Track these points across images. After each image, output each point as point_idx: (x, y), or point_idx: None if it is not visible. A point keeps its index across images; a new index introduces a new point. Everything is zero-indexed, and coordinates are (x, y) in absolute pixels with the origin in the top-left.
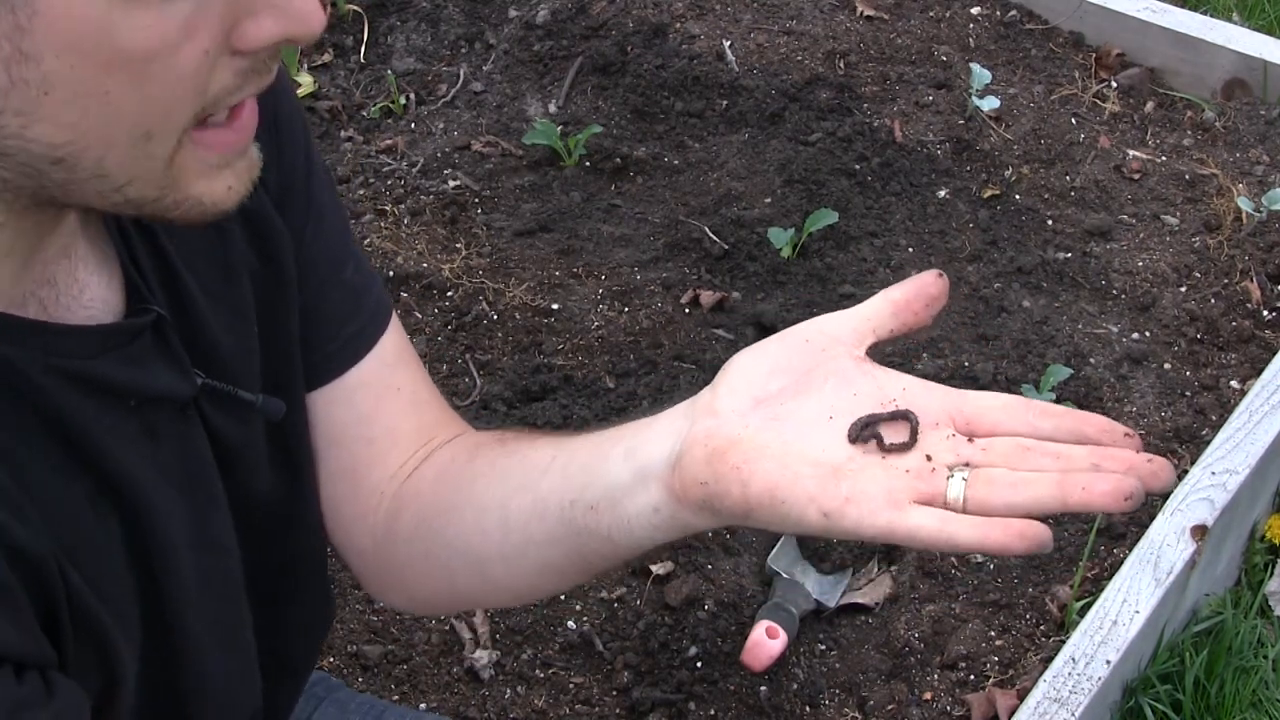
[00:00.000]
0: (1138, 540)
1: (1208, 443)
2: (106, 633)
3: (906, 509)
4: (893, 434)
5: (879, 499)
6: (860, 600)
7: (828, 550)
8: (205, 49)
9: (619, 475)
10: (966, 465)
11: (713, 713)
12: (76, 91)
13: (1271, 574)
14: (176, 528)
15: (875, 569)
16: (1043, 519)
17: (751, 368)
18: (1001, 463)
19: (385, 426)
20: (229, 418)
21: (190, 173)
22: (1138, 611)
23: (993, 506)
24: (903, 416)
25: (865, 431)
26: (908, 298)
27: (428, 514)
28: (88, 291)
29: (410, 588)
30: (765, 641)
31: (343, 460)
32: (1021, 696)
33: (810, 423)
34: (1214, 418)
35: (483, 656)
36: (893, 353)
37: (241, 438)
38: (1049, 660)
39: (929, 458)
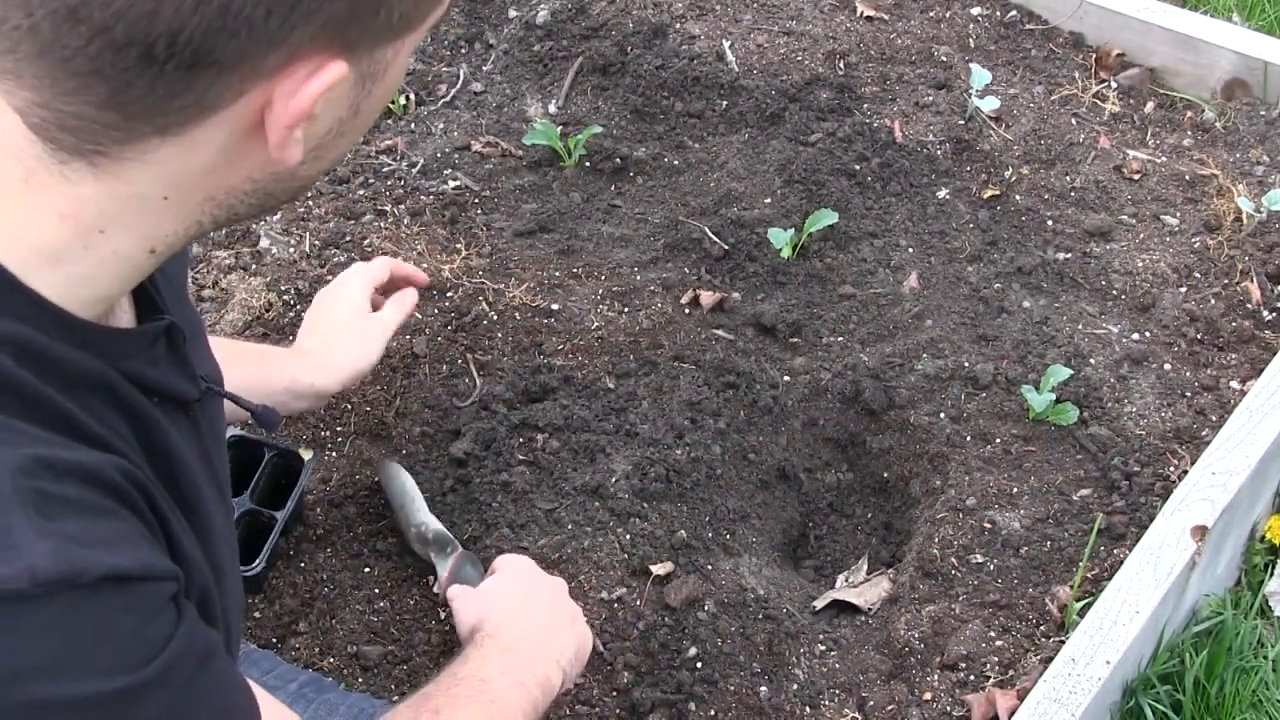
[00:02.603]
0: (1138, 540)
1: (1208, 443)
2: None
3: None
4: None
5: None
6: (852, 600)
7: (817, 549)
8: None
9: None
10: None
11: (713, 713)
12: (359, 128)
13: (1271, 574)
14: (216, 520)
15: (865, 567)
16: None
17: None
18: None
19: None
20: (215, 418)
21: None
22: (1138, 611)
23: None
24: None
25: None
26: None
27: None
28: (125, 297)
29: None
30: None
31: None
32: (1021, 697)
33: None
34: (1214, 418)
35: None
36: (893, 353)
37: (221, 433)
38: (1049, 660)
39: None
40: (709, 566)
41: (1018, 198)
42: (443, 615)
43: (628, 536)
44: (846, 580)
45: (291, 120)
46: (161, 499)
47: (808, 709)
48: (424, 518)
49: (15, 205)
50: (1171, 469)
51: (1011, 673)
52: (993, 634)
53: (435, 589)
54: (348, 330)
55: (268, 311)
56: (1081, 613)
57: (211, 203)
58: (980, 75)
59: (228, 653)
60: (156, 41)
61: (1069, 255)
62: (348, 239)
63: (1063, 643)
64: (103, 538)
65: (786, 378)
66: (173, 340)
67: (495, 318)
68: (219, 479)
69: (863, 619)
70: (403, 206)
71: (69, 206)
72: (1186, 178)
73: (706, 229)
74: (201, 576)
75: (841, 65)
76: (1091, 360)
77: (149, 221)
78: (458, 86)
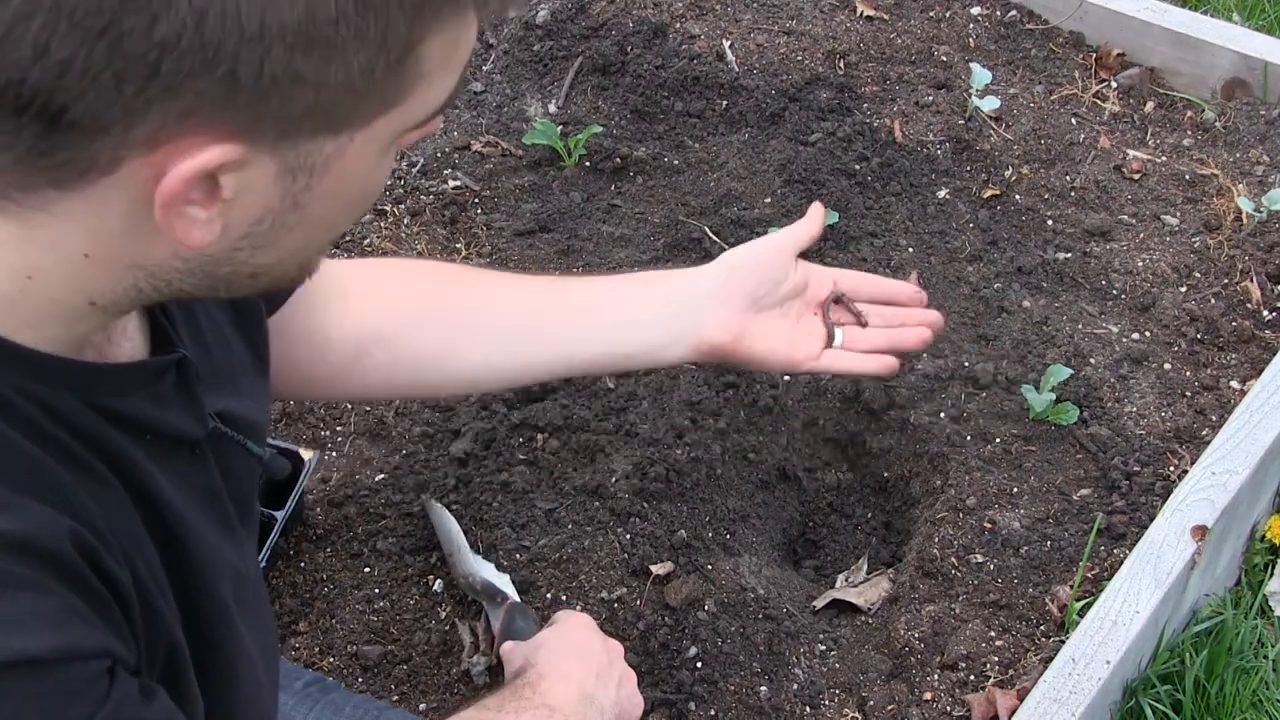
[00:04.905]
0: (1138, 540)
1: (1208, 443)
2: (182, 658)
3: (824, 354)
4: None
5: (814, 352)
6: (852, 600)
7: (816, 549)
8: None
9: (657, 337)
10: (841, 325)
11: (713, 713)
12: (314, 225)
13: (1271, 574)
14: (214, 558)
15: (865, 567)
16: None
17: (747, 278)
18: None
19: (324, 291)
20: (234, 460)
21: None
22: (1138, 611)
23: (856, 347)
24: (836, 299)
25: (827, 309)
26: (814, 226)
27: (411, 357)
28: (130, 325)
29: (357, 394)
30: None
31: (298, 325)
32: (1021, 697)
33: (779, 315)
34: (1214, 418)
35: (480, 662)
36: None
37: (245, 478)
38: (1049, 660)
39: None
40: (709, 566)
41: (1018, 198)
42: (442, 615)
43: (628, 536)
44: (846, 580)
45: (165, 199)
46: (114, 554)
47: (808, 709)
48: (470, 568)
49: None
50: (1171, 469)
51: (1011, 673)
52: (993, 634)
53: (465, 634)
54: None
55: None
56: (1081, 613)
57: (142, 271)
58: (980, 75)
59: (258, 678)
60: (5, 89)
61: (1069, 255)
62: (347, 239)
63: (1063, 643)
64: (18, 617)
65: (786, 377)
66: (184, 376)
67: None
68: (226, 516)
69: (863, 619)
70: (403, 206)
71: None
72: (1186, 178)
73: (706, 229)
74: (170, 633)
75: (841, 65)
76: (1091, 360)
77: (75, 275)
78: None
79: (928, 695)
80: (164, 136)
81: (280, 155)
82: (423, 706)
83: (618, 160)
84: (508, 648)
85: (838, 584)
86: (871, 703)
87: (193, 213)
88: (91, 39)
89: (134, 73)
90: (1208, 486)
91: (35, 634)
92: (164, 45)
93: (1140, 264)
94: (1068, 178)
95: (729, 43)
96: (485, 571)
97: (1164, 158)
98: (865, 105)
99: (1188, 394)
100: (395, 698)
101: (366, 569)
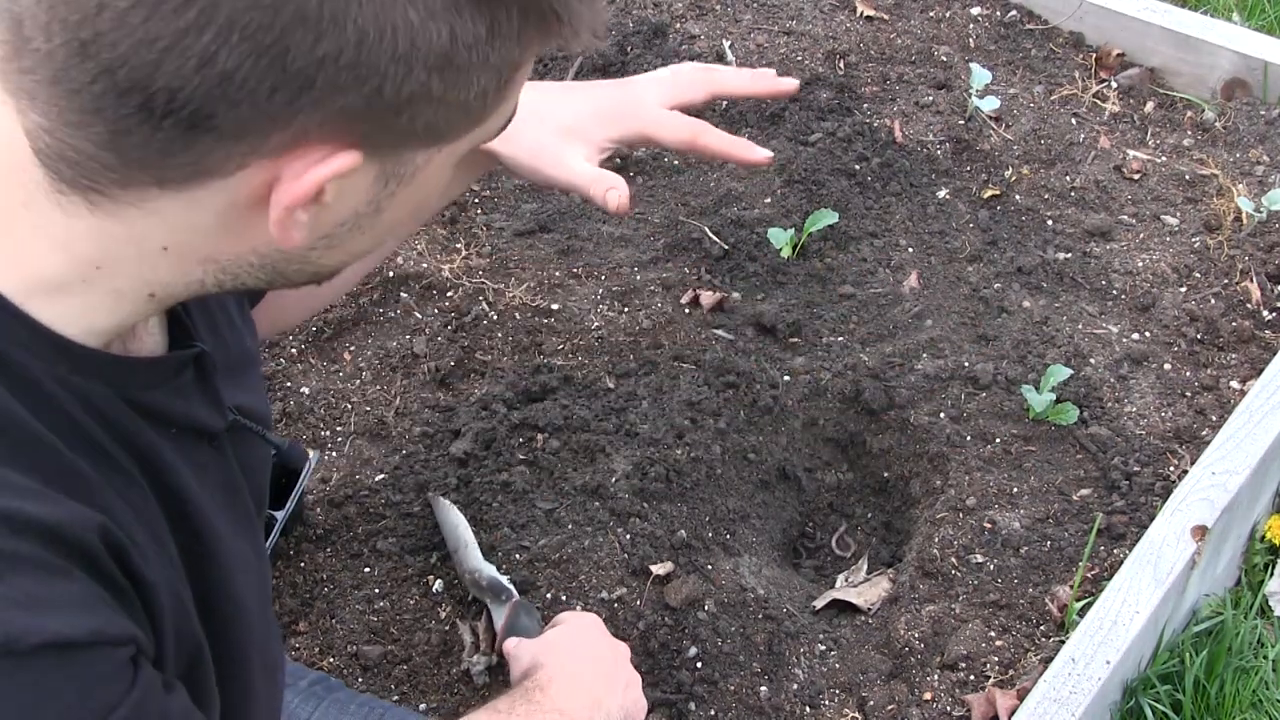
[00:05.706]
0: (1138, 540)
1: (1208, 443)
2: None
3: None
4: None
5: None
6: (852, 600)
7: (816, 549)
8: None
9: None
10: None
11: (713, 713)
12: (383, 230)
13: (1271, 574)
14: (233, 556)
15: (865, 567)
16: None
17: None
18: None
19: None
20: (252, 452)
21: None
22: (1138, 611)
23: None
24: None
25: None
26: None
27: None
28: (151, 319)
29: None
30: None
31: None
32: (1021, 696)
33: None
34: (1214, 418)
35: (480, 662)
36: (893, 353)
37: (261, 471)
38: (1049, 660)
39: None
40: (709, 566)
41: (1018, 198)
42: (442, 615)
43: (628, 536)
44: (846, 580)
45: (292, 201)
46: (140, 553)
47: (808, 709)
48: (477, 564)
49: (14, 230)
50: (1171, 469)
51: (1011, 673)
52: (993, 634)
53: (466, 634)
54: (563, 136)
55: None
56: (1081, 613)
57: (214, 264)
58: (980, 75)
59: (269, 679)
60: (156, 94)
61: (1069, 255)
62: None
63: (1063, 643)
64: (51, 600)
65: (786, 378)
66: (202, 370)
67: (495, 318)
68: (246, 509)
69: (863, 619)
70: None
71: (65, 238)
72: (1186, 178)
73: (706, 229)
74: (193, 630)
75: (841, 65)
76: (1091, 360)
77: (146, 267)
78: None
79: (928, 695)
80: (294, 143)
81: (383, 162)
82: (423, 706)
83: (617, 160)
84: (512, 644)
85: (838, 584)
86: (871, 703)
87: (298, 214)
88: (259, 52)
89: (289, 85)
90: (1208, 486)
91: (69, 617)
92: (323, 61)
93: (1140, 264)
94: (1068, 178)
95: (729, 43)
96: (491, 568)
97: (1164, 158)
98: (865, 105)
99: (1188, 394)
100: (395, 698)
101: (366, 569)
